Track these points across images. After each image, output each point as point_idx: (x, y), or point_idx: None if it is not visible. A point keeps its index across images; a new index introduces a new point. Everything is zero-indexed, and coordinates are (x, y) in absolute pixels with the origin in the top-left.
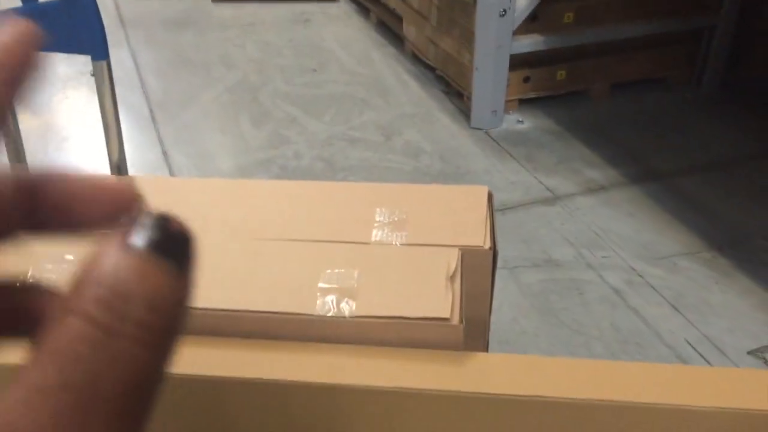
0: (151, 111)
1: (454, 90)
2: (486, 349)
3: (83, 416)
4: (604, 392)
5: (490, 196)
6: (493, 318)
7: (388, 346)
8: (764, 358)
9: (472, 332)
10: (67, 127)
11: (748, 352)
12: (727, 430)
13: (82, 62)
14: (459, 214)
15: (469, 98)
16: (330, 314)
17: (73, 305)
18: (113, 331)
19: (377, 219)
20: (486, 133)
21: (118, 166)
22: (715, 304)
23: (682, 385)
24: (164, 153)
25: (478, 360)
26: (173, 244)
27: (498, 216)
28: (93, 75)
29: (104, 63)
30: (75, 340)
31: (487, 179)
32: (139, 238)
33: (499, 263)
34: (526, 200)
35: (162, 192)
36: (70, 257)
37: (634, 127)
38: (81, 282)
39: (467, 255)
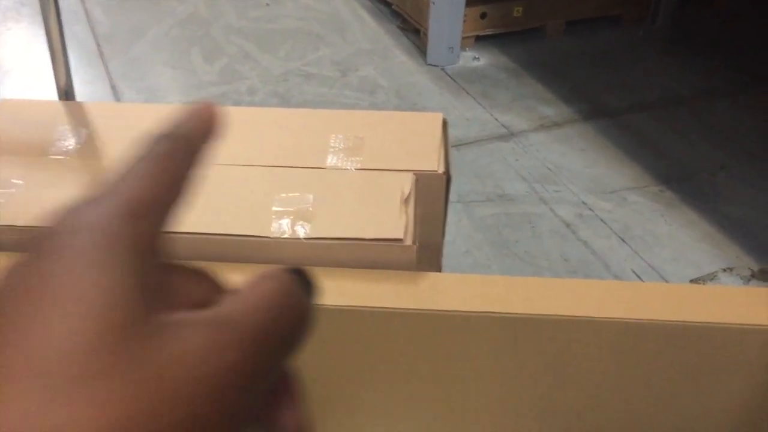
0: (98, 45)
1: (411, 26)
2: (439, 272)
3: (266, 345)
4: (551, 308)
5: (444, 123)
6: (446, 251)
7: (344, 267)
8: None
9: (426, 255)
10: (11, 59)
11: (691, 281)
12: (649, 339)
13: None
14: (413, 139)
15: (426, 34)
16: (284, 236)
17: (269, 273)
18: (293, 292)
19: (332, 144)
20: (442, 69)
21: (66, 92)
22: (660, 236)
23: (620, 300)
24: (113, 88)
25: (431, 279)
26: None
27: (453, 152)
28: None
29: None
30: (271, 292)
31: (444, 116)
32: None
33: (454, 198)
34: (482, 136)
35: (113, 117)
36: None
37: (588, 65)
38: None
39: (421, 179)
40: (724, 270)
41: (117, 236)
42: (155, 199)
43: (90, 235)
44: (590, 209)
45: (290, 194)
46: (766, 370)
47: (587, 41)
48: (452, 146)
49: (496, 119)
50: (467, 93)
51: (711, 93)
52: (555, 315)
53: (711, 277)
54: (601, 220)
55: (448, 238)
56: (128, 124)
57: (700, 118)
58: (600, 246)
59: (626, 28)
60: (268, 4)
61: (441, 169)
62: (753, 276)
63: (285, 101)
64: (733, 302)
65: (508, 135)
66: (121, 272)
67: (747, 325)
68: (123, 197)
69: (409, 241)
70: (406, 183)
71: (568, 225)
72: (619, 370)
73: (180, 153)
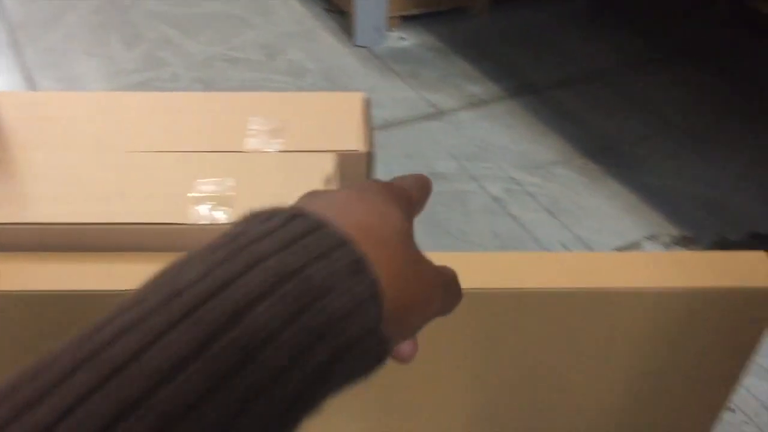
0: (10, 33)
1: (337, 7)
2: None
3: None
4: (478, 281)
5: (365, 102)
6: None
7: None
8: None
9: None
10: None
11: (616, 249)
12: (576, 306)
13: None
14: (335, 120)
15: (352, 16)
16: (203, 222)
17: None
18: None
19: (252, 127)
20: (370, 51)
21: None
22: (586, 207)
23: (546, 270)
24: (29, 78)
25: None
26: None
27: (383, 133)
28: None
29: None
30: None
31: (372, 97)
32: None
33: (386, 178)
34: (411, 117)
35: (29, 106)
36: None
37: (513, 42)
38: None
39: (344, 160)
40: (647, 238)
41: (398, 196)
42: (411, 194)
43: (386, 191)
44: (519, 184)
45: (209, 179)
46: (703, 329)
47: (512, 19)
48: (382, 127)
49: (425, 99)
50: (395, 73)
51: (631, 66)
52: (481, 288)
53: (634, 246)
54: (530, 194)
55: None
56: (46, 113)
57: (621, 91)
58: (529, 220)
59: (548, 5)
60: None
61: (364, 149)
62: (674, 242)
63: (209, 87)
64: (655, 267)
65: (437, 114)
66: (397, 205)
67: (667, 288)
68: (397, 186)
69: None
70: (329, 164)
71: (497, 201)
72: (548, 339)
73: (422, 183)
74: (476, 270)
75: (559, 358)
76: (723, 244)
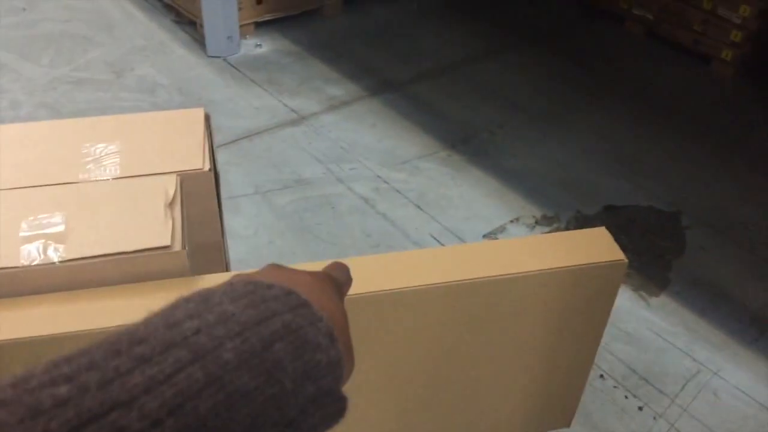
0: None
1: (186, 18)
2: (227, 271)
3: (333, 287)
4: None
5: (207, 118)
6: (249, 244)
7: (112, 285)
8: (497, 239)
9: (206, 257)
10: None
11: (484, 236)
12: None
13: None
14: (175, 139)
15: (202, 26)
16: (36, 263)
17: (329, 269)
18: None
19: (85, 155)
20: (225, 60)
21: None
22: (452, 198)
23: (417, 268)
24: None
25: (207, 282)
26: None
27: (245, 143)
28: None
29: None
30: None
31: (231, 107)
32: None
33: (251, 189)
34: (273, 124)
35: None
36: None
37: (368, 41)
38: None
39: (187, 180)
40: (512, 221)
41: (326, 277)
42: (338, 278)
43: (317, 276)
44: (386, 182)
45: (39, 216)
46: (562, 305)
47: (365, 18)
48: (244, 137)
49: (285, 105)
50: (253, 81)
51: (483, 56)
52: (370, 292)
53: (501, 230)
54: (397, 191)
55: (249, 231)
56: None
57: (475, 80)
58: (398, 216)
59: (401, 2)
60: (24, 9)
61: (207, 167)
62: (537, 223)
63: (55, 112)
64: (523, 252)
65: (299, 119)
66: (325, 281)
67: (541, 270)
68: (329, 273)
69: (177, 247)
70: (170, 185)
71: (366, 200)
72: (444, 331)
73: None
74: (373, 273)
75: (459, 344)
76: (580, 219)
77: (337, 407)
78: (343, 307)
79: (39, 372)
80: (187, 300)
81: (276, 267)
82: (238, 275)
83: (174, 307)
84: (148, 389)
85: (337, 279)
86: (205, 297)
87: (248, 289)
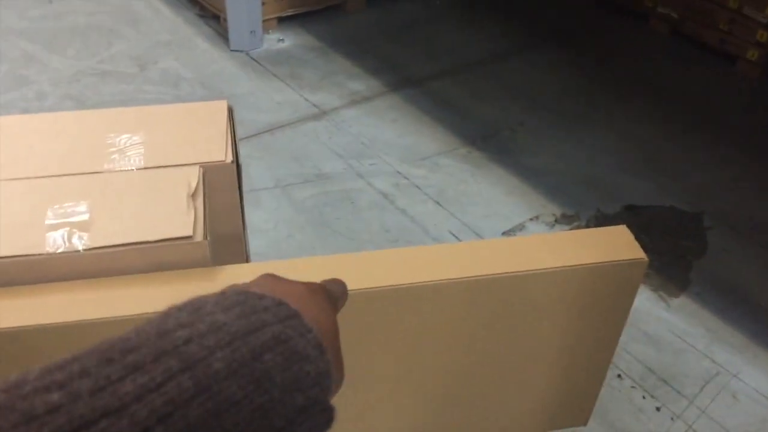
0: None
1: (210, 12)
2: (247, 262)
3: (327, 299)
4: (379, 280)
5: (230, 110)
6: (268, 237)
7: (134, 273)
8: (516, 236)
9: (227, 248)
10: None
11: (503, 233)
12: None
13: None
14: (198, 131)
15: (226, 20)
16: (61, 250)
17: (325, 283)
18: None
19: (110, 146)
20: (247, 54)
21: None
22: (472, 195)
23: (434, 263)
24: None
25: (228, 273)
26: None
27: (267, 137)
28: None
29: None
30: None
31: (253, 101)
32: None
33: (272, 183)
34: (294, 119)
35: None
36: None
37: (390, 37)
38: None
39: (209, 171)
40: (531, 219)
41: (320, 289)
42: (333, 291)
43: (310, 288)
44: (405, 178)
45: (64, 204)
46: (581, 303)
47: (388, 14)
48: (265, 131)
49: (307, 99)
50: (275, 76)
51: (505, 53)
52: (389, 286)
53: (520, 228)
54: (417, 186)
55: (269, 224)
56: None
57: (497, 78)
58: (417, 212)
59: None
60: (51, 2)
61: (229, 159)
62: (557, 221)
63: (80, 104)
64: (542, 249)
65: (320, 114)
66: (319, 294)
67: (563, 267)
68: (324, 286)
69: (199, 237)
70: (193, 177)
71: (385, 196)
72: (462, 327)
73: (339, 285)
74: (392, 267)
75: (479, 339)
76: (601, 218)
77: (325, 417)
78: (335, 319)
79: (32, 378)
80: (179, 309)
81: (270, 277)
82: (231, 285)
83: (166, 315)
84: (138, 397)
85: (332, 292)
86: (196, 306)
87: (240, 299)
